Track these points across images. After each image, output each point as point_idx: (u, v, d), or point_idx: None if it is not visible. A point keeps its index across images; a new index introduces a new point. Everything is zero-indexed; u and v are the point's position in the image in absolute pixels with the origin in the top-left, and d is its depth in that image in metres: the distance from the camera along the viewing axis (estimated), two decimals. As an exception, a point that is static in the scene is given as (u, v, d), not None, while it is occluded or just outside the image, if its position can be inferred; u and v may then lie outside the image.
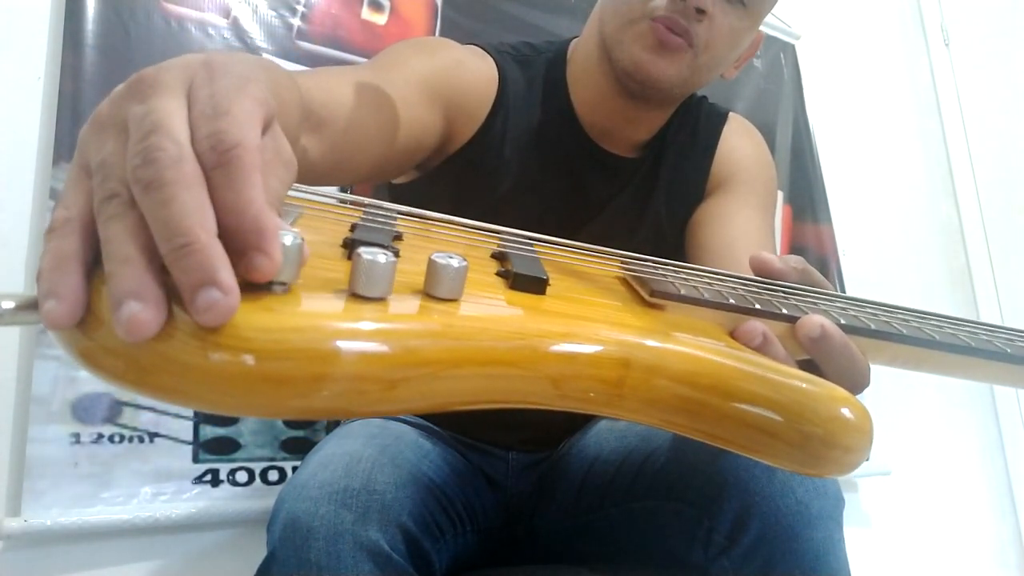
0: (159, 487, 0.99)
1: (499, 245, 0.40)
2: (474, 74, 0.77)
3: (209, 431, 1.03)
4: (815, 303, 0.43)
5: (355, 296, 0.27)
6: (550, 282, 0.35)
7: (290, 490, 0.62)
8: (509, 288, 0.34)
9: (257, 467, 1.06)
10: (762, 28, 0.82)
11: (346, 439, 0.69)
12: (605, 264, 0.44)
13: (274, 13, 1.18)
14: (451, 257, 0.29)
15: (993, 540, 2.01)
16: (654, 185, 0.84)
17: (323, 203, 0.40)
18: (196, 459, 1.02)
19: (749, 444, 0.32)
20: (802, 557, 0.58)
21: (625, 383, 0.32)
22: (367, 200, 0.41)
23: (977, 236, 2.13)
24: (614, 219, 0.82)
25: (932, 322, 0.45)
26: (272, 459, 1.07)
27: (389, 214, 0.39)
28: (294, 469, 1.07)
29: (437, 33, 1.34)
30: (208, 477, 1.02)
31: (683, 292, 0.38)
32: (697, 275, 0.44)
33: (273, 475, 1.07)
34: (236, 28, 1.14)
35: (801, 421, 0.32)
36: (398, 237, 0.37)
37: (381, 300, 0.27)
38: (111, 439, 0.96)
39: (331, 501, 0.58)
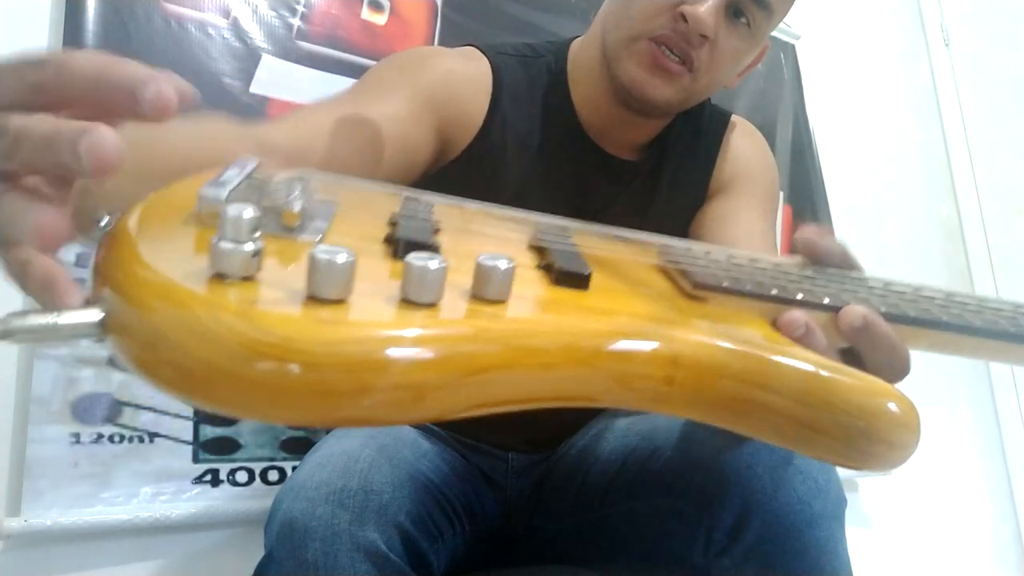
0: (159, 487, 0.99)
1: (535, 236, 0.40)
2: (466, 80, 0.77)
3: (209, 431, 1.03)
4: (855, 291, 0.42)
5: (407, 302, 0.27)
6: (592, 276, 0.35)
7: (287, 490, 0.62)
8: (553, 284, 0.34)
9: (257, 467, 1.06)
10: (768, 43, 0.82)
11: (344, 439, 0.69)
12: (642, 252, 0.44)
13: (274, 13, 1.18)
14: (498, 259, 0.30)
15: (993, 540, 2.01)
16: (656, 187, 0.84)
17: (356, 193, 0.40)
18: (196, 459, 1.02)
19: (794, 439, 0.33)
20: (803, 556, 0.58)
21: (674, 380, 0.32)
22: (404, 190, 0.41)
23: (977, 236, 2.13)
24: (616, 221, 0.82)
25: (970, 307, 0.44)
26: (272, 459, 1.07)
27: (426, 203, 0.39)
28: (294, 469, 1.07)
29: (437, 33, 1.34)
30: (208, 477, 1.02)
31: (726, 284, 0.38)
32: (734, 261, 0.43)
33: (273, 475, 1.07)
34: (236, 28, 1.14)
35: (845, 416, 0.32)
36: (436, 230, 0.37)
37: (432, 306, 0.28)
38: (111, 439, 0.96)
39: (328, 501, 0.58)
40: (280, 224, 0.32)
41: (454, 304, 0.29)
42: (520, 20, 1.44)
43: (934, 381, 1.89)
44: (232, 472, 1.04)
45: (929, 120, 2.25)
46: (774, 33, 1.85)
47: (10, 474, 0.91)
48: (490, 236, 0.39)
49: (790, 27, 1.89)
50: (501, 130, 0.78)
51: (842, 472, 0.60)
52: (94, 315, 0.26)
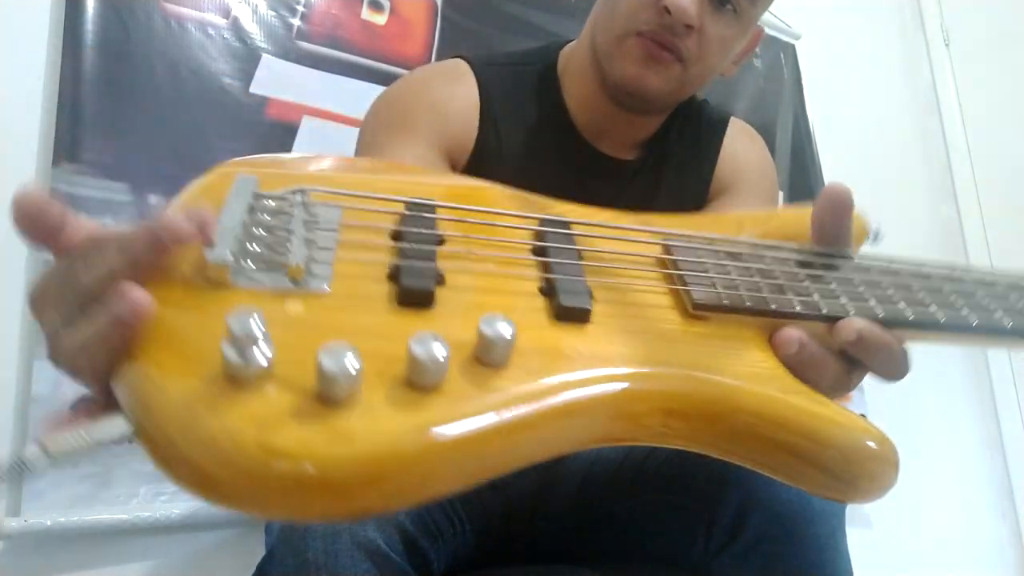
0: (159, 487, 0.99)
1: (538, 234, 0.41)
2: (452, 103, 0.77)
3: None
4: (858, 292, 0.42)
5: (413, 387, 0.29)
6: (593, 298, 0.36)
7: (289, 489, 0.62)
8: (554, 318, 0.35)
9: (257, 467, 1.06)
10: (762, 28, 0.82)
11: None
12: (645, 245, 0.44)
13: (274, 13, 1.18)
14: (499, 324, 0.31)
15: (993, 540, 2.01)
16: (657, 188, 0.84)
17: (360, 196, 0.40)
18: (196, 459, 1.02)
19: (786, 473, 0.35)
20: (804, 553, 0.58)
21: (672, 417, 0.34)
22: (404, 196, 0.40)
23: (977, 236, 2.13)
24: None
25: (971, 298, 0.44)
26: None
27: (428, 213, 0.39)
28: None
29: (437, 33, 1.34)
30: (208, 477, 1.02)
31: (726, 303, 0.39)
32: (738, 265, 0.43)
33: (273, 475, 1.07)
34: (236, 28, 1.14)
35: (828, 452, 0.35)
36: (440, 241, 0.37)
37: (438, 387, 0.29)
38: (111, 439, 0.96)
39: (329, 500, 0.58)
40: (287, 277, 0.32)
41: (459, 382, 0.30)
42: (520, 20, 1.44)
43: (934, 381, 1.89)
44: (232, 472, 1.04)
45: (929, 120, 2.25)
46: (774, 33, 1.86)
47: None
48: (494, 251, 0.39)
49: (790, 27, 1.89)
50: (496, 142, 0.78)
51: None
52: (120, 425, 0.28)
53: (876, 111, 2.12)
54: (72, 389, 0.99)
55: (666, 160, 0.85)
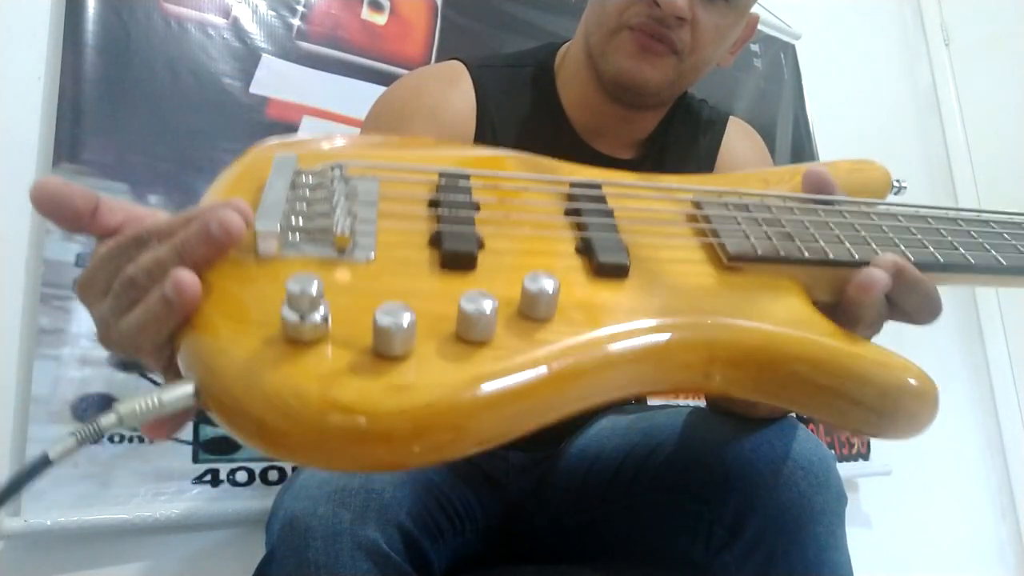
0: (159, 487, 0.99)
1: (570, 196, 0.41)
2: (449, 106, 0.77)
3: (209, 431, 1.03)
4: (886, 235, 0.43)
5: (464, 342, 0.30)
6: (630, 254, 0.37)
7: (289, 489, 0.62)
8: (594, 275, 0.36)
9: (257, 467, 1.06)
10: (762, 28, 0.82)
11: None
12: (675, 203, 0.45)
13: (274, 13, 1.18)
14: (542, 279, 0.31)
15: (993, 540, 2.01)
16: None
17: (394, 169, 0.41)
18: (196, 459, 1.02)
19: (828, 411, 0.36)
20: (804, 551, 0.58)
21: (714, 364, 0.35)
22: (437, 164, 0.42)
23: (977, 236, 2.13)
24: None
25: (999, 238, 0.46)
26: (272, 459, 1.07)
27: (463, 175, 0.40)
28: (294, 469, 1.07)
29: (437, 33, 1.34)
30: (208, 477, 1.02)
31: (760, 253, 0.40)
32: (768, 216, 0.44)
33: (273, 475, 1.07)
34: (236, 28, 1.14)
35: (868, 389, 0.36)
36: (476, 207, 0.38)
37: (487, 342, 0.30)
38: (111, 439, 0.96)
39: (329, 500, 0.58)
40: (333, 246, 0.33)
41: (506, 336, 0.31)
42: (520, 20, 1.44)
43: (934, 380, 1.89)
44: (232, 472, 1.04)
45: (929, 120, 2.25)
46: (774, 33, 1.86)
47: (10, 474, 0.91)
48: (529, 214, 0.40)
49: (790, 27, 1.89)
50: (493, 144, 0.78)
51: (842, 471, 0.61)
52: (188, 388, 0.29)
53: (876, 111, 2.12)
54: (71, 389, 1.00)
55: (664, 158, 0.85)
